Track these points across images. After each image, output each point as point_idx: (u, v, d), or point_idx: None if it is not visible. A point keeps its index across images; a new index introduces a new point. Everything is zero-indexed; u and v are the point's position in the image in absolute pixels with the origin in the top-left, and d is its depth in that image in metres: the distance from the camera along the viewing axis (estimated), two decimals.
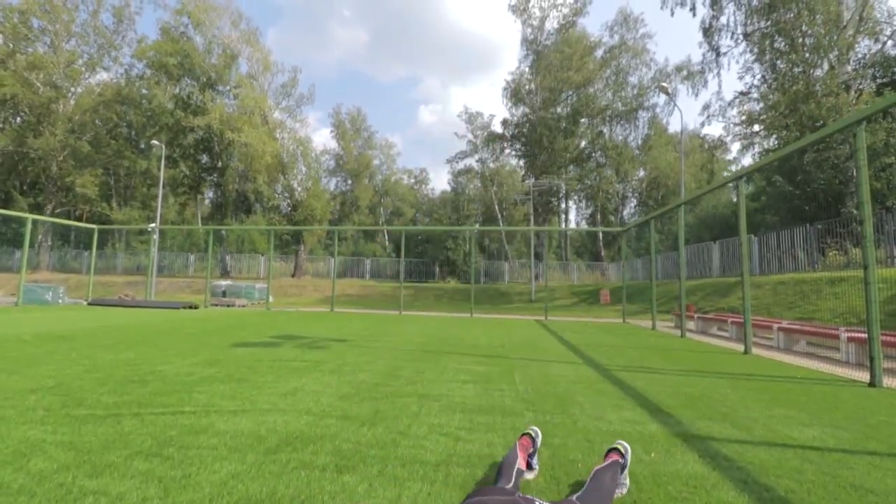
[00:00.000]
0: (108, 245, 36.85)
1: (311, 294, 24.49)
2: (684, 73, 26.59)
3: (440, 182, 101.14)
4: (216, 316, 11.29)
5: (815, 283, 11.54)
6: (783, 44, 18.26)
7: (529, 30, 33.43)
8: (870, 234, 4.35)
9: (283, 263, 34.35)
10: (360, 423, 2.71)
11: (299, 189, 29.79)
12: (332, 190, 51.87)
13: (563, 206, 41.10)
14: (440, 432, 2.59)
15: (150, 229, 19.45)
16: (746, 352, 6.51)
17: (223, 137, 27.48)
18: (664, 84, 20.64)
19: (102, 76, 33.20)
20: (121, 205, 37.80)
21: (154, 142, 24.97)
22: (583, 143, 32.87)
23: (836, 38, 17.56)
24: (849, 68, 18.24)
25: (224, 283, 19.67)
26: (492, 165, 42.24)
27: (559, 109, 32.91)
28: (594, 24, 64.16)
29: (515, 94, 34.62)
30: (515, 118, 35.66)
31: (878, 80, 19.67)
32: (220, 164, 30.56)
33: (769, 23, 18.69)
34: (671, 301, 15.61)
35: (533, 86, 33.63)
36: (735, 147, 45.30)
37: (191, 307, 13.91)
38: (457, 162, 44.95)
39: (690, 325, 11.27)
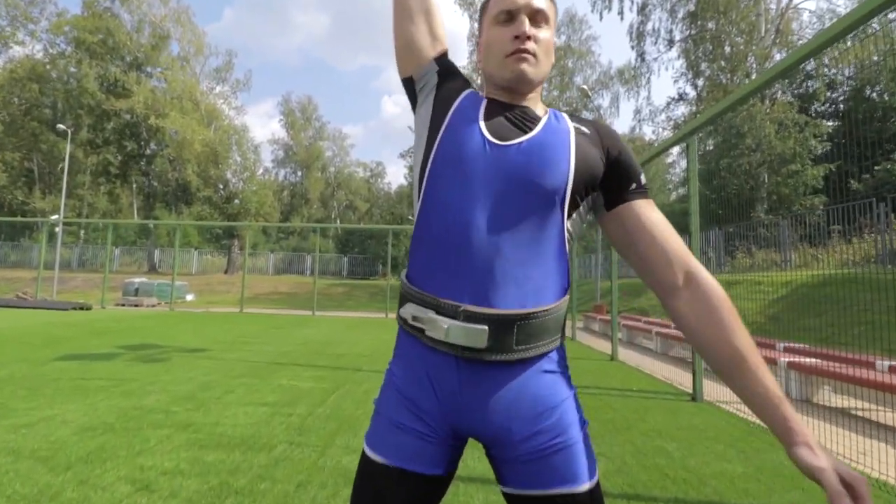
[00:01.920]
0: (24, 237, 34.04)
1: (240, 292, 23.42)
2: (624, 76, 27.22)
3: (399, 176, 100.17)
4: (96, 319, 10.45)
5: None
6: (706, 52, 18.89)
7: (476, 24, 33.26)
8: (696, 246, 4.34)
9: (220, 258, 32.78)
10: (51, 468, 2.32)
11: (234, 180, 28.46)
12: (281, 181, 50.21)
13: None
14: (132, 479, 2.24)
15: (52, 220, 17.96)
16: (613, 358, 6.51)
17: (147, 122, 25.79)
18: (584, 87, 20.99)
19: (17, 52, 30.45)
20: (45, 192, 34.90)
21: (60, 126, 23.06)
22: None
23: (753, 48, 18.32)
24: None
25: (137, 280, 18.46)
26: None
27: None
28: None
29: None
30: None
31: (796, 91, 20.77)
32: (147, 151, 28.72)
33: (695, 31, 19.29)
34: (588, 302, 15.89)
35: (480, 81, 33.54)
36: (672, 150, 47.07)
37: (81, 308, 12.87)
38: (410, 156, 44.46)
39: (595, 326, 11.41)
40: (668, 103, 22.16)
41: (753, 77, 18.62)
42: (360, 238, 31.63)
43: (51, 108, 32.18)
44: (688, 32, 19.66)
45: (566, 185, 0.75)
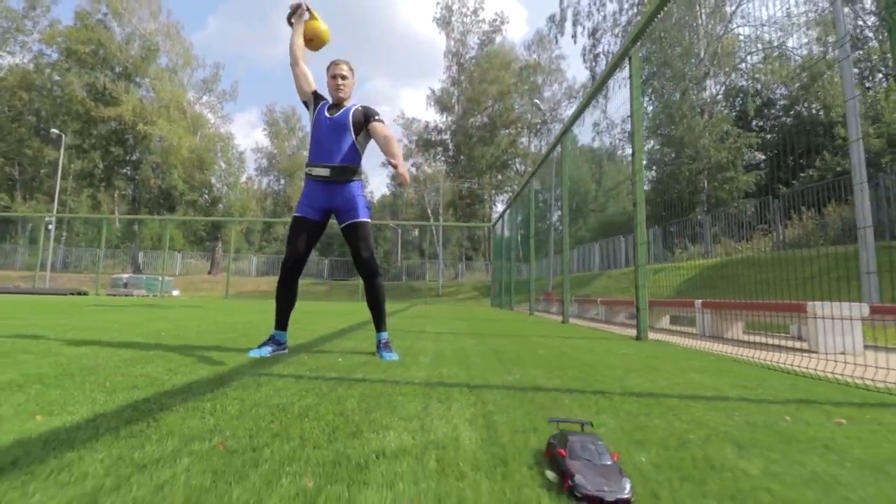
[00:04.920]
0: (6, 240, 34.53)
1: (222, 290, 24.58)
2: (586, 89, 29.39)
3: (381, 185, 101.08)
4: (102, 301, 11.67)
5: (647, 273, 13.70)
6: (651, 72, 21.01)
7: (452, 42, 35.31)
8: (563, 247, 5.92)
9: (202, 262, 33.77)
10: None
11: (218, 185, 29.67)
12: (264, 189, 51.22)
13: (492, 209, 43.13)
14: None
15: (44, 219, 19.00)
16: (564, 321, 8.01)
17: (136, 129, 26.96)
18: (537, 101, 22.90)
19: (7, 60, 31.38)
20: (26, 198, 35.52)
21: (53, 130, 24.13)
22: (498, 151, 34.98)
23: (692, 69, 20.48)
24: (705, 95, 21.27)
25: (126, 275, 19.56)
26: (428, 170, 43.58)
27: (478, 119, 34.93)
28: (516, 39, 68.45)
29: (439, 101, 36.33)
30: (439, 124, 37.39)
31: (737, 109, 23.02)
32: (133, 156, 29.80)
33: (641, 53, 21.43)
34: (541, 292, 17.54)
35: (456, 95, 35.48)
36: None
37: (79, 294, 14.04)
38: (390, 166, 45.89)
39: (553, 308, 13.00)
40: (624, 119, 24.19)
41: (686, 94, 20.77)
42: (340, 241, 32.95)
43: (34, 114, 33.05)
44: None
45: (349, 124, 2.43)
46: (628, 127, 24.99)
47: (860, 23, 21.58)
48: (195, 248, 34.36)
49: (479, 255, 41.21)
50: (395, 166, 2.15)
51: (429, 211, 42.01)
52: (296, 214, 2.49)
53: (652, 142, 23.11)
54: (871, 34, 21.36)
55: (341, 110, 2.50)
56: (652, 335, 4.76)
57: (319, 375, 1.84)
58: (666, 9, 3.98)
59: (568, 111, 35.90)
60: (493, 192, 37.73)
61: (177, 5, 61.51)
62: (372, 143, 2.55)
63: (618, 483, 0.76)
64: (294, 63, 2.57)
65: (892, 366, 2.23)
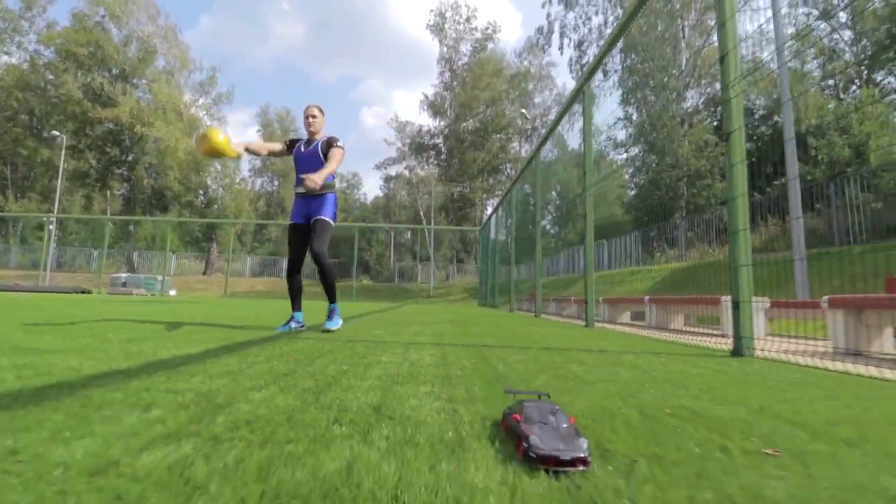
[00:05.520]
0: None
1: (217, 290, 25.17)
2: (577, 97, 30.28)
3: (374, 187, 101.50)
4: (112, 299, 12.27)
5: (622, 276, 14.61)
6: (636, 83, 21.99)
7: (446, 49, 36.17)
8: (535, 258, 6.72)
9: (196, 262, 34.25)
10: None
11: (214, 186, 30.20)
12: (258, 190, 51.63)
13: (483, 213, 43.92)
14: None
15: (46, 219, 19.46)
16: (537, 315, 8.84)
17: (133, 131, 27.46)
18: (524, 111, 23.78)
19: (3, 60, 31.69)
20: (17, 197, 35.78)
21: (55, 132, 24.59)
22: (489, 156, 35.85)
23: (674, 80, 21.48)
24: (686, 105, 22.29)
25: (124, 275, 20.11)
26: (421, 173, 44.27)
27: (470, 124, 35.79)
28: (511, 41, 69.63)
29: (432, 106, 37.16)
30: (432, 129, 38.21)
31: (718, 119, 24.10)
32: (129, 157, 30.25)
33: (625, 63, 22.41)
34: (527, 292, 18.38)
35: (449, 100, 36.33)
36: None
37: (83, 292, 14.62)
38: (385, 168, 46.69)
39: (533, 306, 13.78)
40: (610, 126, 25.15)
41: (667, 104, 21.76)
42: (334, 242, 33.51)
43: (28, 114, 33.35)
44: (622, 64, 22.78)
45: (319, 153, 3.29)
46: (612, 134, 25.96)
47: (835, 36, 22.70)
48: (190, 248, 34.81)
49: (471, 258, 42.02)
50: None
51: (421, 213, 42.79)
52: (291, 222, 3.41)
53: (635, 149, 24.15)
54: (846, 48, 22.44)
55: (313, 144, 3.36)
56: (612, 327, 5.55)
57: (336, 339, 2.62)
58: (645, 20, 4.82)
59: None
60: (485, 195, 38.57)
61: (170, 3, 61.72)
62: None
63: (573, 443, 0.76)
64: (266, 154, 3.47)
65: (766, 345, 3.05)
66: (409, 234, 43.31)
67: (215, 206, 31.43)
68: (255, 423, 0.90)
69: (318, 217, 3.28)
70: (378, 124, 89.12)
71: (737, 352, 2.28)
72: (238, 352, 1.90)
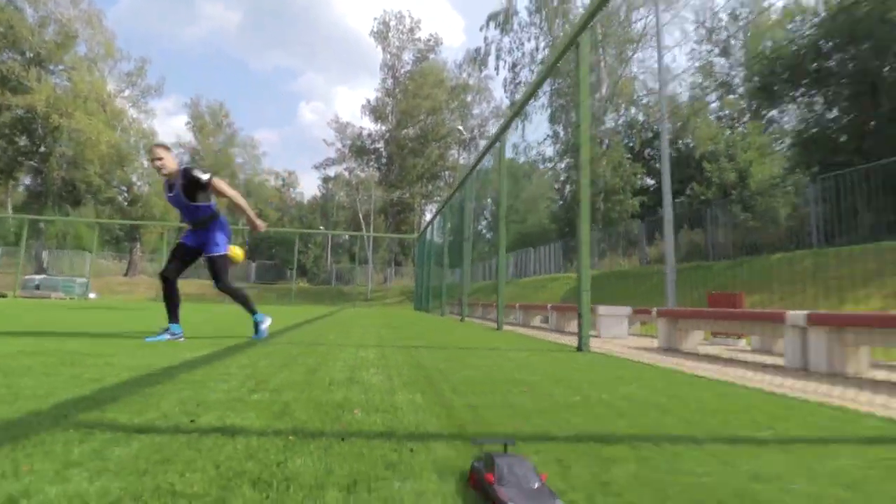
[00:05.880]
0: None
1: (143, 292, 24.17)
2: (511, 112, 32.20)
3: (312, 186, 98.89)
4: (40, 304, 11.82)
5: (544, 282, 16.19)
6: (562, 105, 24.03)
7: (389, 56, 36.87)
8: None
9: (116, 262, 32.22)
10: None
11: (139, 183, 28.76)
12: None
13: (422, 218, 44.82)
14: None
15: None
16: (462, 320, 9.92)
17: (48, 121, 25.57)
18: (460, 127, 25.26)
19: None
20: None
21: None
22: (429, 163, 36.99)
23: (596, 104, 23.70)
24: (604, 127, 24.68)
25: (38, 277, 18.88)
26: (361, 174, 44.27)
27: (410, 131, 36.73)
28: (454, 45, 71.46)
29: (374, 111, 37.69)
30: (373, 133, 38.73)
31: (632, 141, 26.79)
32: (42, 148, 28.03)
33: (554, 85, 24.40)
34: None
35: (391, 106, 37.04)
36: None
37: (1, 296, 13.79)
38: (324, 168, 46.17)
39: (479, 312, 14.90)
40: (540, 143, 27.17)
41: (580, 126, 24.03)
42: (269, 244, 33.10)
43: None
44: (548, 88, 24.78)
45: (182, 198, 3.56)
46: (542, 150, 27.98)
47: (732, 72, 26.11)
48: (110, 247, 32.72)
49: (409, 261, 42.84)
50: (249, 221, 3.70)
51: (360, 216, 42.99)
52: (180, 241, 3.69)
53: (563, 163, 26.34)
54: (738, 81, 25.77)
55: (174, 188, 3.47)
56: (522, 330, 6.74)
57: (301, 342, 3.45)
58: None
59: (494, 128, 38.75)
60: (423, 201, 39.63)
61: None
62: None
63: None
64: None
65: (623, 342, 4.25)
66: (346, 236, 43.33)
67: (139, 205, 29.87)
68: (288, 385, 1.79)
69: (210, 255, 3.54)
70: (315, 119, 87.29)
71: (580, 348, 3.41)
72: (228, 357, 2.71)
